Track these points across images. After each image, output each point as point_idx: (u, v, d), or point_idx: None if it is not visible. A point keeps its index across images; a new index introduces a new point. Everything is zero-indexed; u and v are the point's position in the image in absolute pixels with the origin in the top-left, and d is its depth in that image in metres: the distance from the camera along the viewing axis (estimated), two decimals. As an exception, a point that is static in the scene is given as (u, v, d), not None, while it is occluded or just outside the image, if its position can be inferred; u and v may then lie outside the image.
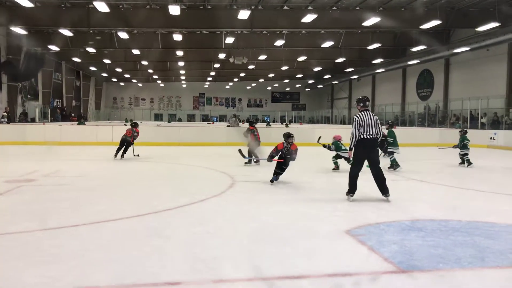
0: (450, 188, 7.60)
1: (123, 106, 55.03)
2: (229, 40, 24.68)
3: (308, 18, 18.62)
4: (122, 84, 52.25)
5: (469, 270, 3.38)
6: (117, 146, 11.61)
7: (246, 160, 7.53)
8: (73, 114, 36.30)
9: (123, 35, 22.69)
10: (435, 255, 3.68)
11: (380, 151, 9.24)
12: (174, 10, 17.36)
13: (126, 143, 11.52)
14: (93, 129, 18.24)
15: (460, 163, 10.77)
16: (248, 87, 54.63)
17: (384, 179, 5.95)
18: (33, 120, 28.63)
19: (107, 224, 4.69)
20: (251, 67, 34.97)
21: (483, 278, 3.26)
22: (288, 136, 7.56)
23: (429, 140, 18.67)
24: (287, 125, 31.81)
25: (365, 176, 6.28)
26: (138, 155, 11.88)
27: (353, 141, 5.98)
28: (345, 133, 14.53)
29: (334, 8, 21.66)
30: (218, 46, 27.32)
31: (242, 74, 43.50)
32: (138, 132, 11.88)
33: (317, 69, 37.36)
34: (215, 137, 18.25)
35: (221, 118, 52.00)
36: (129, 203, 5.83)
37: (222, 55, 29.57)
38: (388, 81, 37.19)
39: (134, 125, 12.03)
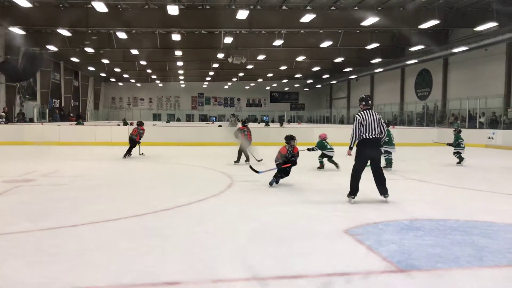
0: (449, 188, 7.59)
1: (121, 106, 54.97)
2: (228, 40, 24.65)
3: (307, 18, 18.62)
4: (120, 84, 52.22)
5: (467, 269, 3.40)
6: (127, 147, 11.84)
7: (258, 174, 7.44)
8: (71, 114, 36.21)
9: (122, 35, 22.71)
10: (433, 254, 3.69)
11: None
12: (173, 10, 17.35)
13: (132, 142, 11.77)
14: (92, 129, 18.22)
15: (457, 163, 10.80)
16: (247, 87, 54.61)
17: (385, 180, 5.90)
18: (31, 120, 28.58)
19: (106, 224, 4.69)
20: (249, 67, 35.01)
21: (481, 277, 3.26)
22: (290, 138, 7.28)
23: (428, 140, 18.67)
24: (281, 125, 31.73)
25: (365, 176, 6.27)
26: (143, 154, 12.13)
27: (353, 140, 5.89)
28: (344, 133, 14.46)
29: (333, 8, 21.70)
30: (216, 46, 27.29)
31: (241, 74, 43.53)
32: (143, 130, 12.12)
33: (315, 69, 37.42)
34: (214, 137, 18.25)
35: (220, 118, 52.04)
36: (128, 203, 5.83)
37: (220, 55, 29.56)
38: (387, 81, 37.21)
39: (139, 124, 12.25)
